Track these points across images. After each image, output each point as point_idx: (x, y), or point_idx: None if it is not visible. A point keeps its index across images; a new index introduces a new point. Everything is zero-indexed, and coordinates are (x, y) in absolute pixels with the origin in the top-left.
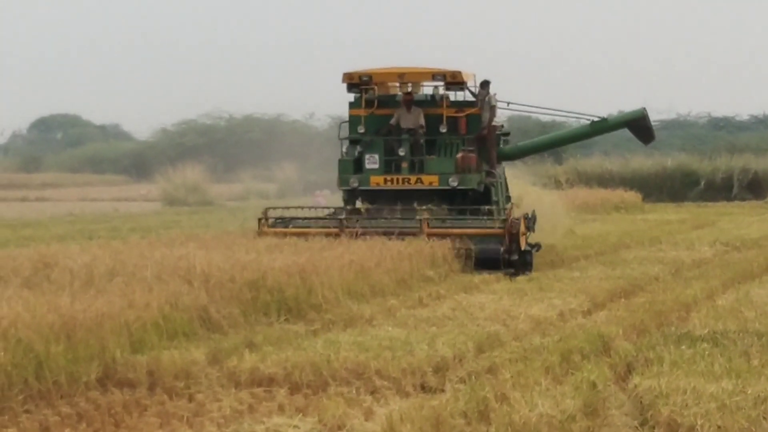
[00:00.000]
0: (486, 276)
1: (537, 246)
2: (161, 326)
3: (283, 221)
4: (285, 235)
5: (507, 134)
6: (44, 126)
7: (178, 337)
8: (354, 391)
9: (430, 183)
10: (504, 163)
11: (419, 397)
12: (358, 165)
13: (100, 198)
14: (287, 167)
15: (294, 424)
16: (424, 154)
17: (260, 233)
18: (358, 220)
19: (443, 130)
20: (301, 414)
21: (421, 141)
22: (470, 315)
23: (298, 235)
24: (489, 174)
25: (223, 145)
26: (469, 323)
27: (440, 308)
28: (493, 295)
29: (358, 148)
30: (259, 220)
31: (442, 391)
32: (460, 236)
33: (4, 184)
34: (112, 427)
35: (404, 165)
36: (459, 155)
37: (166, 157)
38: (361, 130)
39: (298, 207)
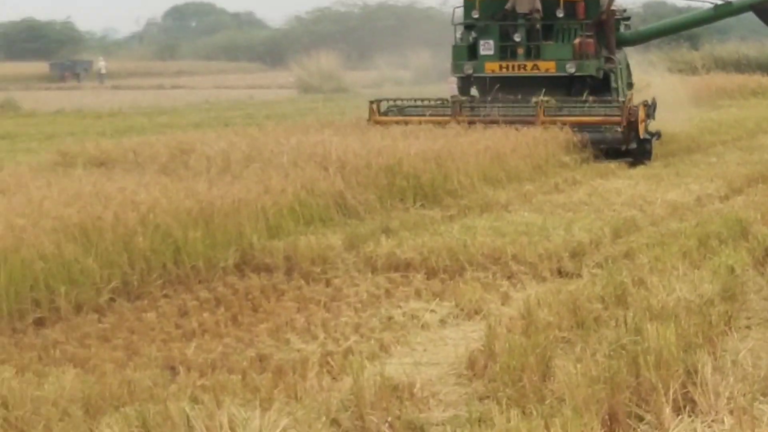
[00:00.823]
0: (622, 162)
1: (657, 134)
2: (297, 212)
3: (398, 109)
4: (396, 123)
5: (627, 18)
6: (178, 14)
7: (315, 223)
8: (490, 276)
9: (547, 69)
10: (627, 49)
11: (556, 282)
12: (472, 51)
13: (235, 86)
14: (421, 54)
15: (431, 309)
16: (541, 40)
17: (371, 121)
18: (472, 109)
19: (560, 14)
20: (438, 299)
21: (538, 26)
22: (606, 200)
23: (407, 123)
24: (608, 60)
25: (357, 33)
26: (606, 209)
27: (576, 194)
28: (630, 181)
29: (473, 34)
30: (371, 107)
31: (579, 276)
32: (578, 125)
33: (141, 72)
34: (250, 311)
35: (520, 51)
36: (576, 40)
37: (300, 44)
38: (475, 15)
39: (411, 99)
